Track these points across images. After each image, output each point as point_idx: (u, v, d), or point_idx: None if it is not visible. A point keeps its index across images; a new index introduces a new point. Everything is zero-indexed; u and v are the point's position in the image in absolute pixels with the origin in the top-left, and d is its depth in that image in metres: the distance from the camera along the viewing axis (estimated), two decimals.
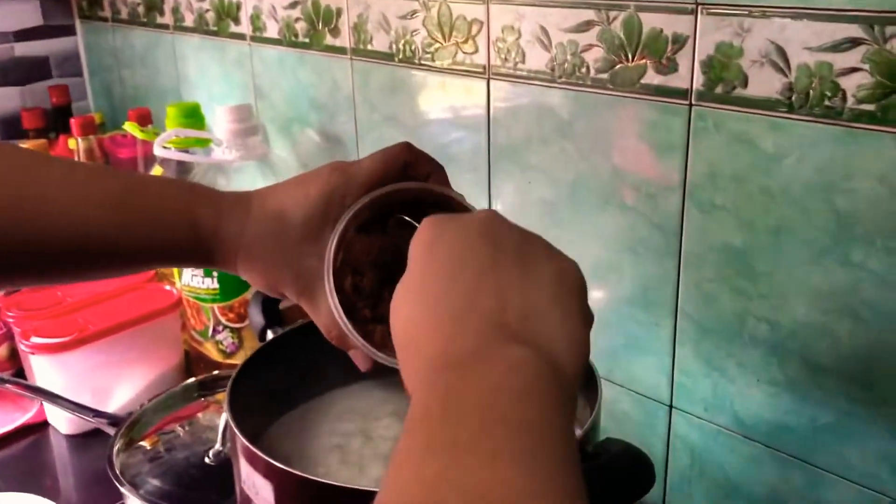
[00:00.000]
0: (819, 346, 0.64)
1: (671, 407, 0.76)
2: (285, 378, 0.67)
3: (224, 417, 0.84)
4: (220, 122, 1.03)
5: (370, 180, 0.50)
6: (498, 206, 0.85)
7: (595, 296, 0.79)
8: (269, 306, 0.69)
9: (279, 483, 0.51)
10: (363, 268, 0.52)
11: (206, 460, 0.83)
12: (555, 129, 0.77)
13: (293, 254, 0.50)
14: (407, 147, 0.51)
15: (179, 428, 0.92)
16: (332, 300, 0.49)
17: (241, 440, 0.54)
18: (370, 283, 0.51)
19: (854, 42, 0.55)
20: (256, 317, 0.68)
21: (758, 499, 0.72)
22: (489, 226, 0.39)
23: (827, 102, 0.58)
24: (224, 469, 0.82)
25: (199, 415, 0.94)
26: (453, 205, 0.51)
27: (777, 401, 0.68)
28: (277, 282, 0.51)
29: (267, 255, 0.50)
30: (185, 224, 0.50)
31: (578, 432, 0.64)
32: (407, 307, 0.37)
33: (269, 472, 0.51)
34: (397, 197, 0.51)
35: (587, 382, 0.61)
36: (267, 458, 0.51)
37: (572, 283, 0.37)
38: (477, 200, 0.86)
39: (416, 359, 0.35)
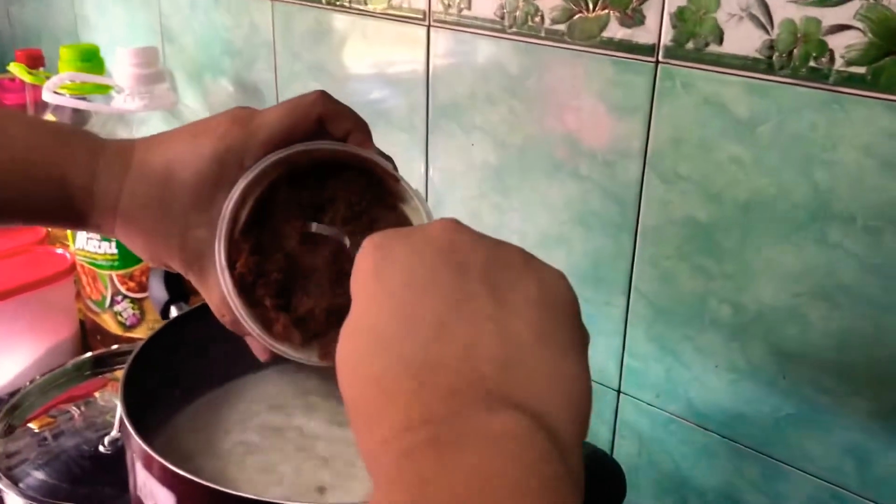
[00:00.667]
0: (787, 331, 0.59)
1: (619, 392, 0.71)
2: (191, 362, 0.58)
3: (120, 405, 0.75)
4: (121, 67, 0.92)
5: (275, 137, 0.41)
6: (435, 171, 0.77)
7: None
8: (172, 279, 0.60)
9: (182, 493, 0.43)
10: (269, 246, 0.43)
11: (101, 448, 0.73)
12: (503, 86, 0.69)
13: (180, 222, 0.41)
14: (322, 97, 0.42)
15: (74, 408, 0.82)
16: (224, 280, 0.41)
17: (137, 441, 0.45)
18: (277, 265, 0.43)
19: None
20: (158, 291, 0.59)
21: (709, 491, 0.68)
22: (449, 243, 0.31)
23: (812, 63, 0.52)
24: (121, 459, 0.73)
25: (97, 394, 0.85)
26: (377, 171, 0.43)
27: (736, 388, 0.63)
28: (161, 253, 0.43)
29: (149, 223, 0.41)
30: (52, 181, 0.41)
31: None
32: (356, 357, 0.29)
33: (170, 481, 0.43)
34: (308, 158, 0.42)
35: None
36: (170, 465, 0.42)
37: (558, 301, 0.30)
38: (412, 164, 0.78)
39: (374, 428, 0.27)
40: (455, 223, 0.32)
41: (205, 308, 0.60)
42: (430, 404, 0.26)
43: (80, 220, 0.42)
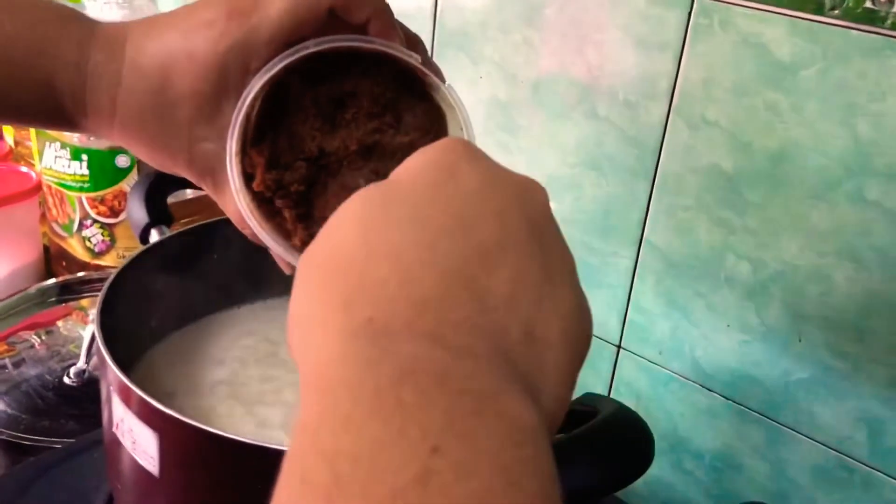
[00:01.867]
0: (808, 292, 0.56)
1: (619, 347, 0.68)
2: (172, 291, 0.54)
3: (90, 330, 0.70)
4: None
5: (282, 34, 0.35)
6: None
7: None
8: (155, 200, 0.55)
9: (166, 433, 0.39)
10: (286, 153, 0.38)
11: (66, 380, 0.69)
12: (518, 14, 0.64)
13: (183, 135, 0.36)
14: None
15: (35, 337, 0.77)
16: (240, 202, 0.36)
17: (116, 374, 0.40)
18: (297, 176, 0.38)
19: None
20: (137, 212, 0.54)
21: (706, 453, 0.65)
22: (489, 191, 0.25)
23: (868, 4, 0.48)
24: (88, 392, 0.69)
25: (59, 323, 0.80)
26: (406, 69, 0.38)
27: (747, 349, 0.60)
28: (168, 164, 0.38)
29: (149, 133, 0.36)
30: (38, 84, 0.36)
31: None
32: (363, 230, 0.23)
33: (153, 419, 0.39)
34: (324, 56, 0.37)
35: None
36: (153, 401, 0.38)
37: (573, 272, 0.26)
38: None
39: (363, 328, 0.21)
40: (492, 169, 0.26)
41: (188, 233, 0.56)
42: (453, 347, 0.21)
43: (73, 125, 0.37)
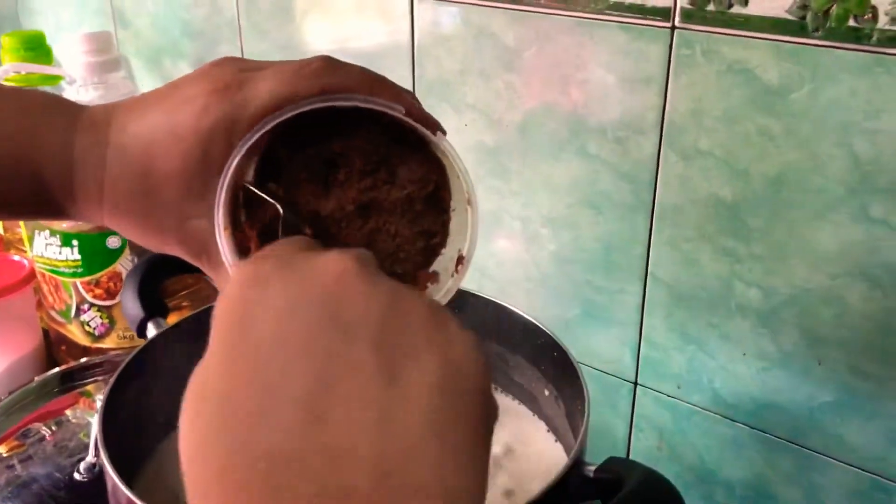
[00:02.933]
0: (823, 314, 0.54)
1: (636, 384, 0.66)
2: (177, 384, 0.52)
3: (95, 426, 0.69)
4: (71, 55, 0.84)
5: (268, 113, 0.34)
6: None
7: (545, 259, 0.67)
8: (149, 292, 0.54)
9: None
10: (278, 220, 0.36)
11: (76, 476, 0.67)
12: (496, 58, 0.63)
13: (174, 214, 0.35)
14: (327, 66, 0.34)
15: (45, 429, 0.76)
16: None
17: (121, 489, 0.39)
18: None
19: None
20: (132, 308, 0.52)
21: (737, 484, 0.64)
22: (338, 290, 0.25)
23: (852, 23, 0.47)
24: (99, 487, 0.67)
25: (68, 412, 0.78)
26: (398, 122, 0.36)
27: (766, 377, 0.59)
28: (160, 245, 0.36)
29: (139, 215, 0.35)
30: (24, 176, 0.35)
31: (556, 446, 0.52)
32: (199, 434, 0.23)
33: None
34: (312, 121, 0.35)
35: (566, 376, 0.49)
36: None
37: (466, 380, 0.24)
38: None
39: None
40: (354, 260, 0.26)
41: (189, 321, 0.54)
42: None
43: (63, 213, 0.37)
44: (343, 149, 0.35)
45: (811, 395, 0.57)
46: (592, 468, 0.40)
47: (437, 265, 0.37)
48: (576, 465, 0.40)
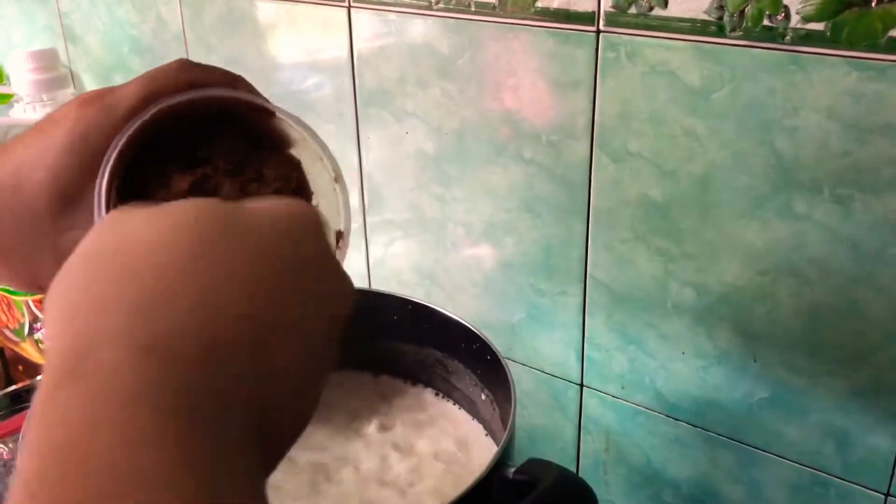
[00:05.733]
0: (755, 311, 0.55)
1: (582, 385, 0.67)
2: None
3: None
4: (18, 73, 0.84)
5: (137, 111, 0.34)
6: (369, 163, 0.72)
7: (488, 264, 0.67)
8: None
9: None
10: None
11: None
12: (433, 67, 0.64)
13: (46, 230, 0.34)
14: (185, 64, 0.36)
15: (2, 446, 0.75)
16: None
17: None
18: None
19: None
20: None
21: (683, 482, 0.64)
22: (200, 208, 0.28)
23: (766, 22, 0.48)
24: None
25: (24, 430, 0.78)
26: (246, 110, 0.37)
27: (705, 375, 0.59)
28: (33, 272, 0.36)
29: (7, 240, 0.35)
30: None
31: (494, 449, 0.53)
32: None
33: None
34: (169, 117, 0.36)
35: (496, 377, 0.49)
36: None
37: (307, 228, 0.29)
38: (345, 156, 0.72)
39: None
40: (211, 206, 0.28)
41: None
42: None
43: None
44: (206, 154, 0.36)
45: (749, 391, 0.57)
46: (513, 470, 0.41)
47: None
48: (498, 467, 0.41)
